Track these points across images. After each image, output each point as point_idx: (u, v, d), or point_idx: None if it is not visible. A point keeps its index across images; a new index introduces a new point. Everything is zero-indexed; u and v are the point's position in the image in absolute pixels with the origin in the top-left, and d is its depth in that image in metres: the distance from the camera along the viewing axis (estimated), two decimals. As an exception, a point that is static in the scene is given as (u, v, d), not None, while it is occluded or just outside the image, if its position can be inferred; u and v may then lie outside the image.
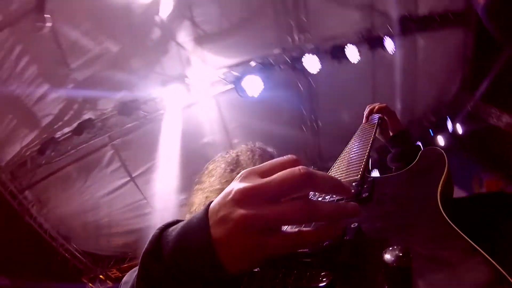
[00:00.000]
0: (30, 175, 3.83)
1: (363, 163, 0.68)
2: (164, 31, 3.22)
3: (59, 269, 4.24)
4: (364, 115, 1.11)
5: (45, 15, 1.32)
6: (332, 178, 0.42)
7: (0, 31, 2.99)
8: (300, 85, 3.99)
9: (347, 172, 0.66)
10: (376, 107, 1.10)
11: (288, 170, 0.38)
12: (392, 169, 1.06)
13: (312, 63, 3.57)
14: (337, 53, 3.79)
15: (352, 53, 3.82)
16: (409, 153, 1.02)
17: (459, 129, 5.70)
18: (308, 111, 4.21)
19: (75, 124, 3.49)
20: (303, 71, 3.62)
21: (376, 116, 1.08)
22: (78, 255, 4.22)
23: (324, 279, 0.35)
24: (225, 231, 0.36)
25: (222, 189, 0.79)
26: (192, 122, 3.56)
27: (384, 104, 1.11)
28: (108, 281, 4.32)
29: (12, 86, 3.34)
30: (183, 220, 0.42)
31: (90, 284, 4.30)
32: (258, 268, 0.40)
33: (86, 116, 3.46)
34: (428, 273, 0.34)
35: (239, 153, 0.88)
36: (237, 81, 3.33)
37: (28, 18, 2.81)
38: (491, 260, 0.32)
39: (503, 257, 0.32)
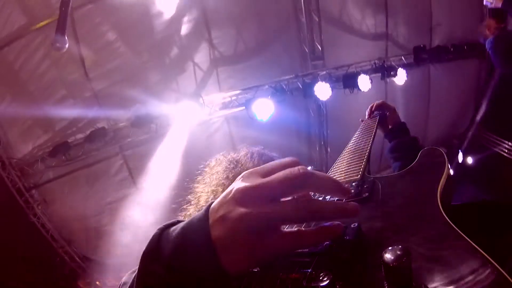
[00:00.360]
0: (39, 175, 3.91)
1: (364, 162, 0.68)
2: (182, 50, 3.32)
3: (56, 271, 4.27)
4: (366, 113, 1.17)
5: (65, 37, 1.37)
6: (331, 178, 0.43)
7: (23, 36, 3.14)
8: (311, 110, 4.03)
9: (347, 171, 0.67)
10: (375, 104, 1.17)
11: (288, 169, 0.38)
12: (392, 162, 1.09)
13: (323, 90, 3.61)
14: (349, 81, 3.82)
15: (364, 82, 3.85)
16: (407, 144, 1.09)
17: (470, 160, 5.65)
18: (318, 136, 4.23)
19: (88, 132, 3.58)
20: (315, 97, 3.66)
21: (377, 112, 1.14)
22: (77, 258, 4.24)
23: (325, 279, 0.35)
24: (224, 231, 0.36)
25: (224, 184, 0.81)
26: (201, 140, 3.62)
27: (381, 101, 1.18)
28: (103, 288, 4.32)
29: (31, 87, 3.46)
30: (183, 221, 0.42)
31: (85, 289, 4.31)
32: (258, 268, 0.40)
33: (100, 125, 3.55)
34: (428, 273, 0.34)
35: (240, 153, 0.91)
36: (248, 103, 3.38)
37: (52, 24, 2.94)
38: (491, 260, 0.32)
39: (501, 261, 0.32)
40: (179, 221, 0.43)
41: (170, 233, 0.40)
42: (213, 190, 0.81)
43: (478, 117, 5.53)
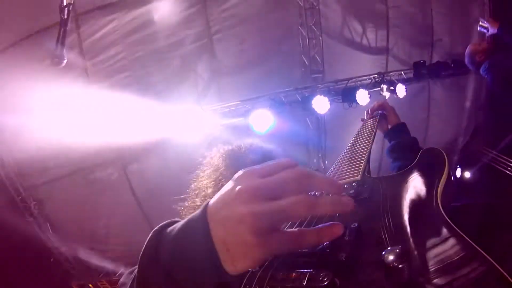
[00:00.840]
0: (38, 175, 3.94)
1: (364, 163, 0.68)
2: (185, 59, 3.36)
3: (50, 271, 4.28)
4: (366, 113, 1.19)
5: (64, 52, 1.40)
6: (329, 178, 0.44)
7: (28, 38, 3.18)
8: (309, 122, 4.06)
9: (347, 172, 0.66)
10: (376, 105, 1.19)
11: (288, 170, 0.39)
12: (390, 162, 1.08)
13: (321, 104, 3.64)
14: (348, 95, 3.85)
15: (363, 96, 3.87)
16: (407, 144, 1.09)
17: (467, 174, 5.67)
18: (316, 148, 4.26)
19: (88, 135, 3.60)
20: (313, 110, 3.69)
21: (377, 112, 1.15)
22: (71, 260, 4.26)
23: (325, 279, 0.35)
24: (226, 231, 0.36)
25: (224, 175, 0.82)
26: (200, 148, 3.64)
27: (382, 101, 1.20)
28: (96, 291, 4.34)
29: (34, 93, 3.49)
30: (179, 221, 0.42)
31: (78, 291, 4.32)
32: (258, 268, 0.39)
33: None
34: (427, 272, 0.34)
35: (240, 143, 0.93)
36: (247, 114, 3.42)
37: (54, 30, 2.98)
38: (490, 259, 0.32)
39: (500, 261, 0.32)
40: (174, 222, 0.42)
41: (167, 234, 0.40)
42: (214, 182, 0.83)
43: (477, 132, 5.55)
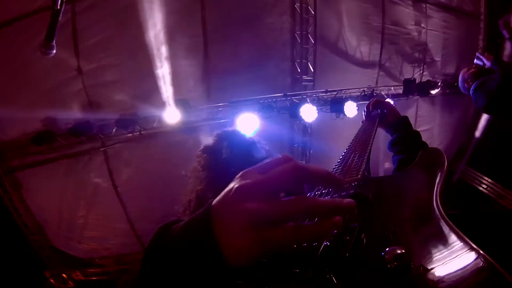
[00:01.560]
0: (19, 160, 3.87)
1: (364, 162, 0.68)
2: (176, 57, 3.36)
3: (25, 258, 4.20)
4: (364, 112, 1.18)
5: (53, 43, 1.39)
6: (324, 169, 0.44)
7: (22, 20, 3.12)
8: (296, 128, 4.10)
9: (347, 171, 0.67)
10: (372, 102, 1.18)
11: (283, 165, 0.40)
12: (392, 155, 1.06)
13: (309, 112, 3.69)
14: (337, 106, 3.91)
15: (351, 108, 3.93)
16: (410, 137, 1.07)
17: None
18: (300, 154, 4.30)
19: (73, 123, 3.57)
20: (301, 118, 3.74)
21: (376, 112, 1.14)
22: (47, 248, 4.19)
23: (325, 279, 0.35)
24: (228, 227, 0.37)
25: (199, 171, 0.87)
26: (186, 145, 3.64)
27: (375, 99, 1.20)
28: (69, 281, 4.26)
29: (22, 77, 3.43)
30: (182, 220, 0.44)
31: (51, 280, 4.24)
32: (258, 266, 0.39)
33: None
34: (427, 272, 0.34)
35: (211, 140, 0.98)
36: (235, 117, 3.44)
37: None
38: (490, 259, 0.33)
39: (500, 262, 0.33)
40: (178, 221, 0.44)
41: (173, 230, 0.42)
42: (202, 181, 0.88)
43: (461, 151, 5.70)
